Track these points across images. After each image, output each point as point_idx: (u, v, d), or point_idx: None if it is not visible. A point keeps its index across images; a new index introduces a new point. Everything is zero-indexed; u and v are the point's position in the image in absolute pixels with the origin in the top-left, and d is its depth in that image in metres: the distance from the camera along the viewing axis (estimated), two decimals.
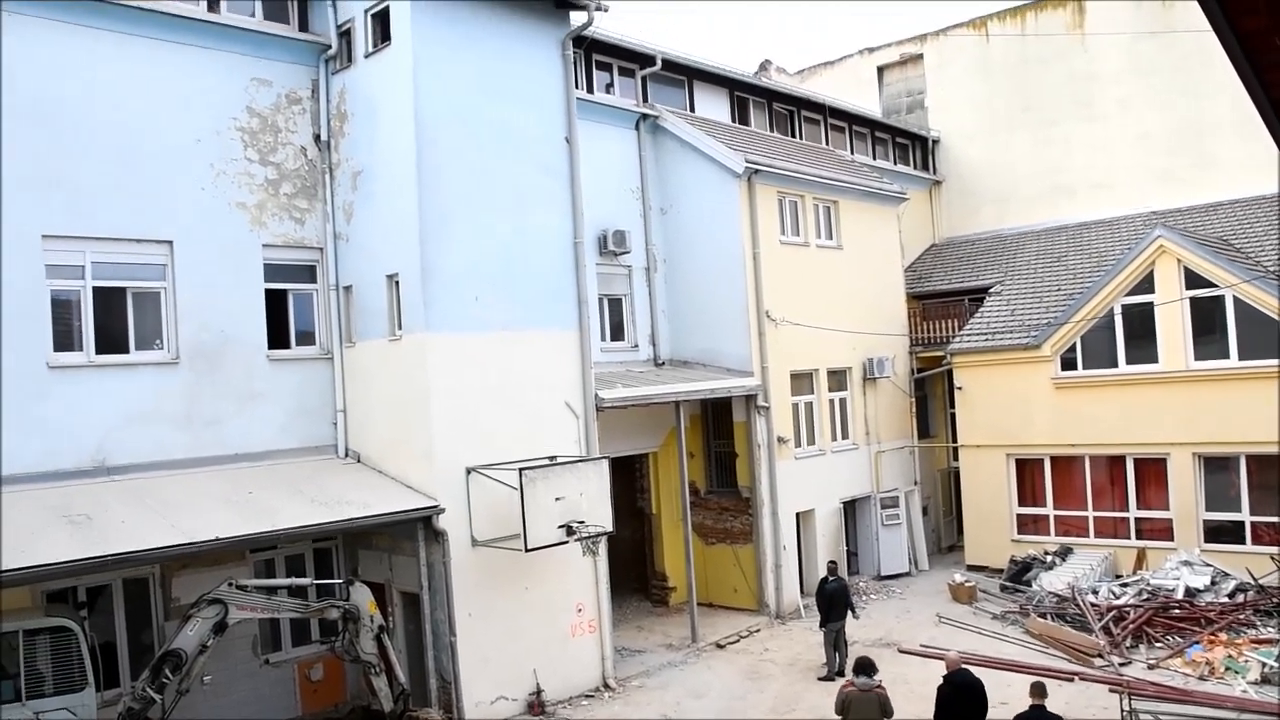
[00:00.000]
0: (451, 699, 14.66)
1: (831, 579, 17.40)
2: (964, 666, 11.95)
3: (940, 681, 11.86)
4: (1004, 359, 22.76)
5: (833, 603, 16.95)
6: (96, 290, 13.86)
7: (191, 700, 12.52)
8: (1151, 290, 20.84)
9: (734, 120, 24.35)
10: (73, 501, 12.65)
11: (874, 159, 29.09)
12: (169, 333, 14.47)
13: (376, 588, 14.18)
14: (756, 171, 20.73)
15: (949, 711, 11.63)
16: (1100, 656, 16.46)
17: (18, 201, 13.04)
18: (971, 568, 23.10)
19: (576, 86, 17.86)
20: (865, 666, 11.67)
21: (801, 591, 21.10)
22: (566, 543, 14.74)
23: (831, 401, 23.00)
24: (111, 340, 14.01)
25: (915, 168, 31.02)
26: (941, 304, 26.66)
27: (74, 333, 13.69)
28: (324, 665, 15.67)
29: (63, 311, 13.61)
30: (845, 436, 23.41)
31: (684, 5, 70.35)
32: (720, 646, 18.81)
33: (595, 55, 20.54)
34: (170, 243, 14.45)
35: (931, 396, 26.92)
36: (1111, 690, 13.24)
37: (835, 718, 11.68)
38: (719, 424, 21.86)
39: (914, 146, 31.27)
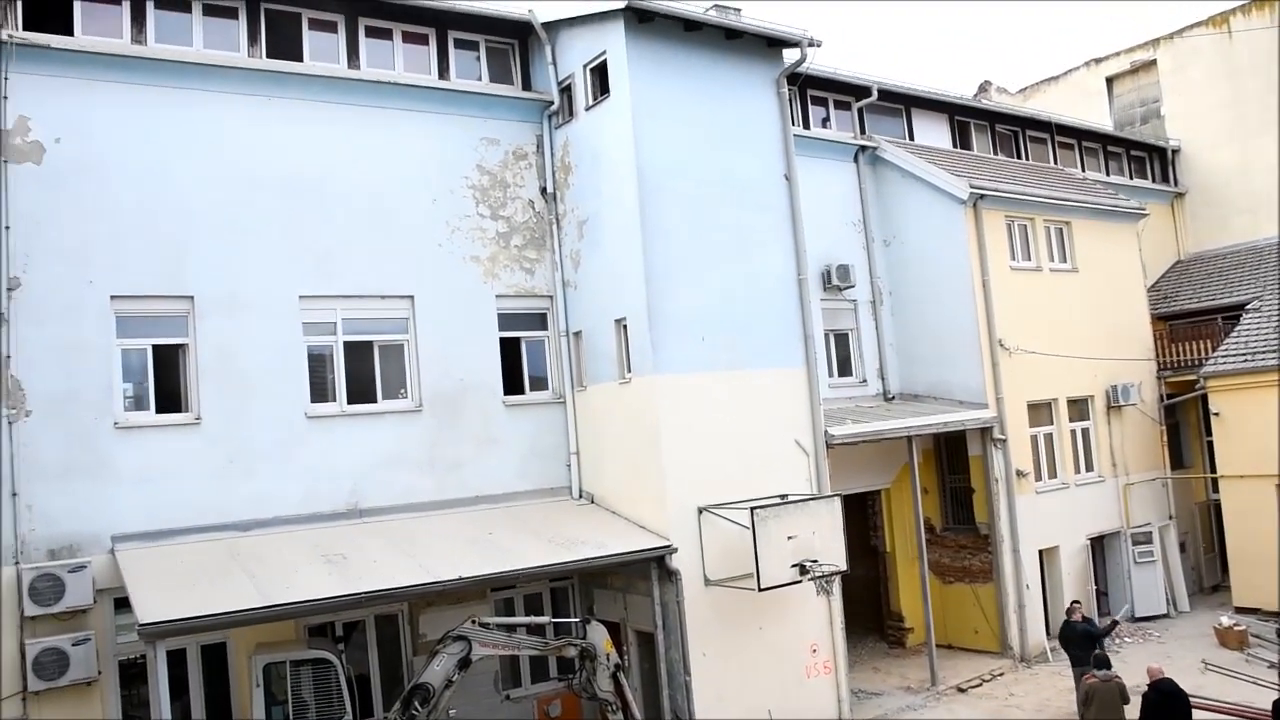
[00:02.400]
0: None
1: (1082, 620, 16.45)
2: (1168, 676, 13.00)
3: (1145, 689, 12.86)
4: (1267, 381, 20.95)
5: (1083, 647, 15.96)
6: (347, 344, 14.86)
7: None
8: None
9: (955, 145, 23.72)
10: (330, 541, 13.49)
11: (1107, 175, 27.64)
12: (412, 382, 15.31)
13: (612, 626, 14.39)
14: (982, 196, 20.08)
15: (1154, 717, 12.57)
16: None
17: (278, 266, 14.21)
18: (1240, 610, 21.23)
19: (793, 123, 17.82)
20: (1103, 661, 13.63)
21: (1047, 633, 20.03)
22: (800, 582, 14.57)
23: (1073, 432, 21.85)
24: (361, 391, 14.96)
25: (1154, 181, 29.25)
26: (1191, 324, 24.87)
27: (327, 385, 14.70)
28: (562, 701, 15.96)
29: (317, 365, 14.66)
30: (1090, 469, 22.16)
31: (897, 33, 69.42)
32: (961, 690, 18.07)
33: (810, 90, 20.48)
34: (411, 297, 15.32)
35: (1184, 424, 25.12)
36: None
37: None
38: (953, 458, 21.13)
39: (1151, 158, 29.51)
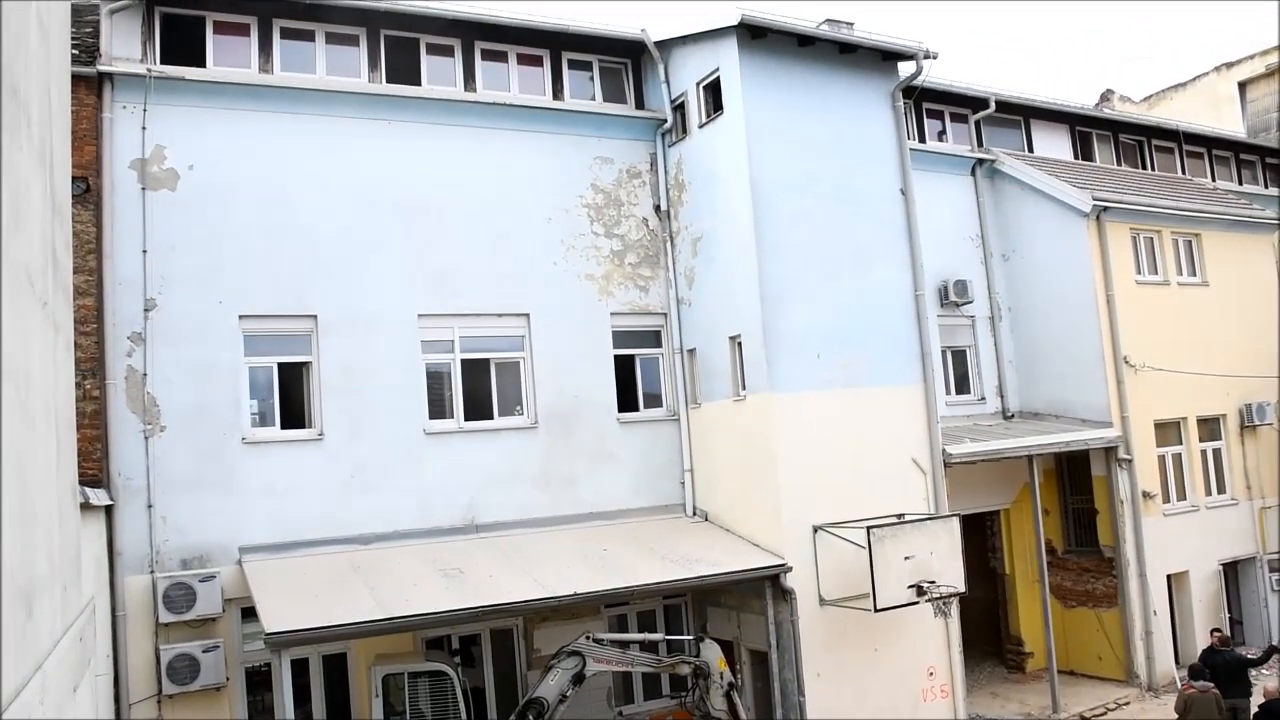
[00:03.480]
0: None
1: (1226, 650, 15.76)
2: None
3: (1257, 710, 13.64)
4: None
5: (1232, 677, 15.19)
6: (464, 362, 15.12)
7: None
8: None
9: (1076, 157, 23.04)
10: (447, 556, 13.72)
11: (1240, 184, 26.48)
12: (528, 399, 15.50)
13: (725, 645, 14.28)
14: (1105, 209, 19.47)
15: None
16: None
17: (397, 285, 14.54)
18: None
19: (908, 136, 17.57)
20: (1200, 673, 14.01)
21: (1176, 662, 19.21)
22: (917, 603, 14.27)
23: (1204, 452, 20.96)
24: (478, 407, 15.21)
25: None
26: None
27: (445, 402, 14.99)
28: (674, 719, 15.94)
29: (435, 383, 14.95)
30: (1222, 491, 21.23)
31: (1015, 40, 68.02)
32: (1085, 719, 17.43)
33: (925, 103, 20.15)
34: (527, 315, 15.53)
35: None
36: None
37: None
38: (1075, 479, 20.44)
39: None
